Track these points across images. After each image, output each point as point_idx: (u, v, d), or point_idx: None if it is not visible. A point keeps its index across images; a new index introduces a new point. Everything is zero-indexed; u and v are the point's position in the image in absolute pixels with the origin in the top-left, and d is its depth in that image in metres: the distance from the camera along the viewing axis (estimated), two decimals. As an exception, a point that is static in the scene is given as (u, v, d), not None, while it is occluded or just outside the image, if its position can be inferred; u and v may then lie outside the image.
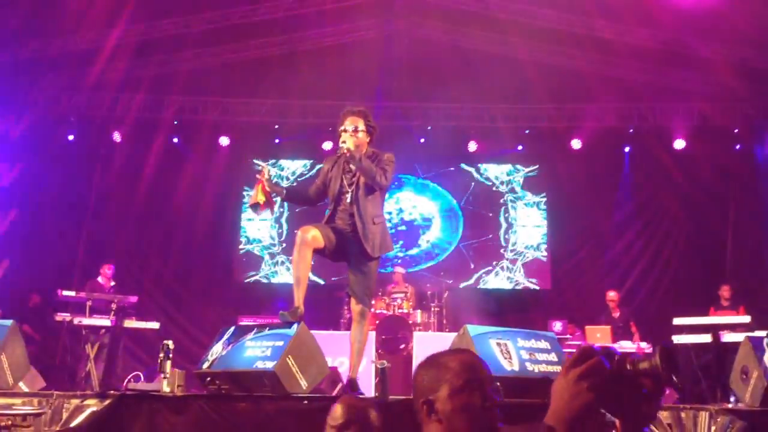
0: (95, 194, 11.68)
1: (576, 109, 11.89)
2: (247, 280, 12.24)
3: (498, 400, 1.79)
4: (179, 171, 11.99)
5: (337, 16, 10.95)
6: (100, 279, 9.25)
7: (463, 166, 12.57)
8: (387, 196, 5.46)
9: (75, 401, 4.01)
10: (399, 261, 11.53)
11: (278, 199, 4.99)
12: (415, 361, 8.16)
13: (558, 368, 4.56)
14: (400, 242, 12.09)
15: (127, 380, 5.44)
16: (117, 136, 11.85)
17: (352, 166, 4.83)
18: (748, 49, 10.14)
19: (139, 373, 6.31)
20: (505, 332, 4.59)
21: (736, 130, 11.68)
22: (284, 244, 12.27)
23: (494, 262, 12.22)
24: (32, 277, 11.08)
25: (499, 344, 4.44)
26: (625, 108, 11.83)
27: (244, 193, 12.30)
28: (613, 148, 12.16)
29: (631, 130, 11.91)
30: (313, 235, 4.61)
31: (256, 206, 4.87)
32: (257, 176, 4.89)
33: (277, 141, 12.25)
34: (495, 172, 12.61)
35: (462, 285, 11.91)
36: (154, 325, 8.50)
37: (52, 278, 10.89)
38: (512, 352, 4.46)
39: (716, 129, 11.71)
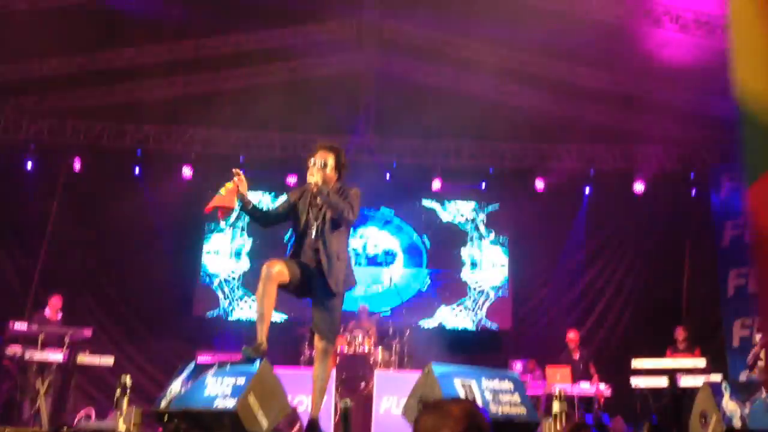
0: (52, 224, 11.40)
1: (540, 148, 12.06)
2: (207, 315, 12.00)
3: None
4: (140, 201, 11.79)
5: (304, 49, 11.01)
6: (47, 311, 8.96)
7: (428, 202, 12.61)
8: (351, 231, 5.41)
9: (25, 440, 3.85)
10: (361, 300, 11.45)
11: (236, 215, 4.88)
12: (376, 400, 8.07)
13: (521, 410, 4.54)
14: (369, 279, 12.04)
15: (78, 418, 5.27)
16: (77, 165, 11.64)
17: (319, 201, 4.80)
18: (705, 95, 10.47)
19: (91, 410, 6.12)
20: (470, 372, 4.57)
21: (692, 175, 11.98)
22: (242, 278, 12.13)
23: (457, 301, 12.20)
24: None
25: (463, 384, 4.41)
26: (586, 149, 12.05)
27: (206, 227, 12.25)
28: (574, 189, 12.32)
29: (592, 171, 12.12)
30: (278, 270, 4.54)
31: (218, 210, 4.69)
32: (234, 180, 4.71)
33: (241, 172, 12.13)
34: (459, 209, 12.67)
35: (424, 323, 11.87)
36: (109, 360, 8.26)
37: (4, 310, 10.57)
38: (476, 393, 4.43)
39: (674, 173, 11.99)
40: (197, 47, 10.69)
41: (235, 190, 4.68)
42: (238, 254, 12.30)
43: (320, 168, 4.78)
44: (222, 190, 4.68)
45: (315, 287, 4.76)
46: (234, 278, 12.21)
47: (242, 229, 12.34)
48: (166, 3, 9.68)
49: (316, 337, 4.81)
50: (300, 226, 4.84)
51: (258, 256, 11.91)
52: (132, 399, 5.48)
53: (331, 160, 4.86)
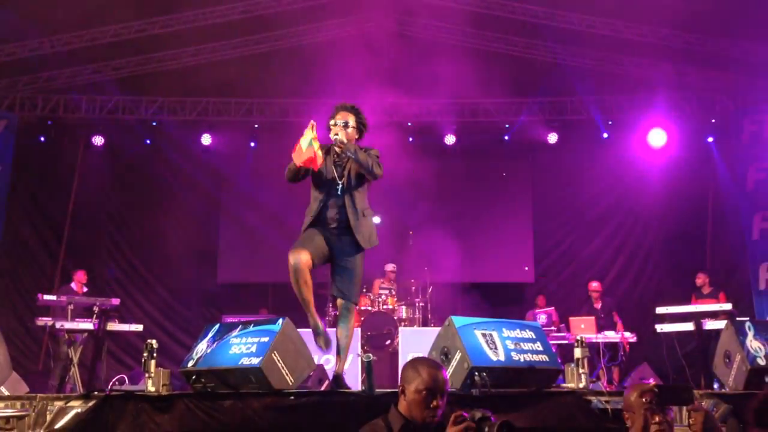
0: (74, 197, 11.55)
1: (554, 102, 11.94)
2: (230, 281, 12.13)
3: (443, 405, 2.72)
4: (159, 172, 11.90)
5: (317, 13, 10.93)
6: (73, 285, 9.14)
7: (448, 161, 12.51)
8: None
9: (59, 403, 3.95)
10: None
11: None
12: (401, 356, 8.18)
13: (543, 357, 4.57)
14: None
15: (111, 383, 5.39)
16: (95, 139, 11.73)
17: (343, 159, 4.81)
18: (724, 38, 10.27)
19: (124, 376, 6.26)
20: (490, 323, 4.58)
21: (713, 120, 11.79)
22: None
23: (479, 255, 12.16)
24: (15, 282, 11.03)
25: (484, 335, 4.43)
26: (604, 100, 11.89)
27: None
28: (594, 139, 12.18)
29: (610, 122, 11.97)
30: (305, 260, 4.59)
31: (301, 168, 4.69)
32: (312, 132, 4.67)
33: (252, 144, 12.19)
34: (478, 166, 12.58)
35: (446, 279, 11.85)
36: (138, 327, 8.42)
37: (32, 283, 10.82)
38: (498, 343, 4.46)
39: (694, 119, 11.81)
40: (206, 17, 10.65)
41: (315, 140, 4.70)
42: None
43: (342, 127, 4.81)
44: (307, 143, 4.65)
45: (337, 248, 4.78)
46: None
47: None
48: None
49: (338, 299, 4.84)
50: (324, 185, 4.84)
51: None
52: (163, 363, 5.59)
53: (352, 120, 4.89)
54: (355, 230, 4.73)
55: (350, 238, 4.75)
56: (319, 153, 4.71)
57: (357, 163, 4.74)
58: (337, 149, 4.83)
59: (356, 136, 4.93)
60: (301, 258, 4.57)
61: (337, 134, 4.76)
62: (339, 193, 4.79)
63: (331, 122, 4.86)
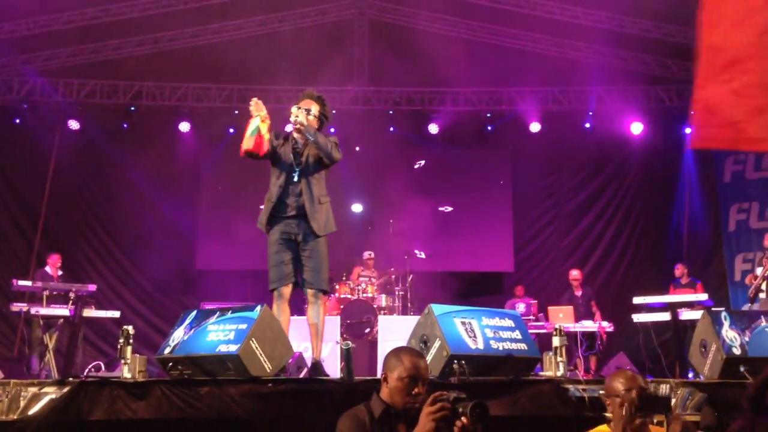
0: (50, 181, 11.39)
1: (536, 91, 11.94)
2: (208, 267, 12.02)
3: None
4: (136, 157, 11.76)
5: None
6: (48, 269, 9.03)
7: (429, 150, 12.45)
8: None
9: (33, 389, 3.90)
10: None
11: None
12: (380, 345, 8.17)
13: (522, 345, 4.59)
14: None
15: (87, 370, 5.33)
16: (72, 123, 11.56)
17: (301, 145, 4.84)
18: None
19: (100, 362, 6.19)
20: (470, 311, 4.59)
21: (692, 112, 11.84)
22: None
23: (459, 244, 12.15)
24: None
25: (463, 323, 4.44)
26: (582, 90, 11.91)
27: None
28: (572, 130, 12.20)
29: (591, 113, 12.00)
30: (287, 294, 4.84)
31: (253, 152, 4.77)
32: (259, 113, 4.79)
33: (231, 131, 12.06)
34: (460, 155, 12.52)
35: (427, 268, 11.84)
36: (115, 314, 8.33)
37: (8, 269, 10.68)
38: (477, 331, 4.47)
39: (672, 110, 11.88)
40: (185, 1, 10.52)
41: (264, 118, 4.78)
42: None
43: (304, 112, 4.82)
44: (255, 128, 4.72)
45: (298, 238, 4.77)
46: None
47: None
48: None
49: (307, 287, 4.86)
50: (282, 171, 4.84)
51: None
52: (140, 350, 5.53)
53: (315, 109, 4.92)
54: (311, 217, 4.75)
55: (308, 225, 4.77)
56: (266, 136, 4.76)
57: (315, 145, 4.76)
58: (295, 134, 4.83)
59: (316, 125, 4.93)
60: (284, 295, 4.81)
61: (297, 116, 4.76)
62: (296, 179, 4.81)
63: (293, 108, 4.86)
